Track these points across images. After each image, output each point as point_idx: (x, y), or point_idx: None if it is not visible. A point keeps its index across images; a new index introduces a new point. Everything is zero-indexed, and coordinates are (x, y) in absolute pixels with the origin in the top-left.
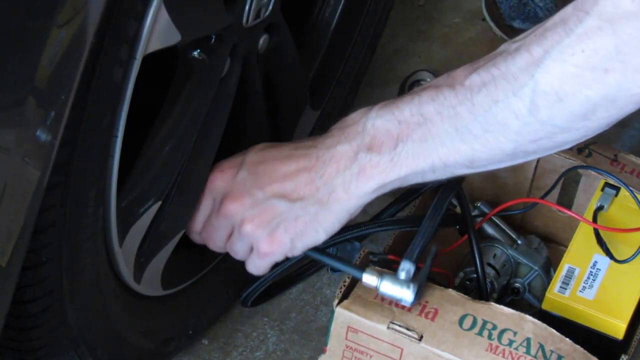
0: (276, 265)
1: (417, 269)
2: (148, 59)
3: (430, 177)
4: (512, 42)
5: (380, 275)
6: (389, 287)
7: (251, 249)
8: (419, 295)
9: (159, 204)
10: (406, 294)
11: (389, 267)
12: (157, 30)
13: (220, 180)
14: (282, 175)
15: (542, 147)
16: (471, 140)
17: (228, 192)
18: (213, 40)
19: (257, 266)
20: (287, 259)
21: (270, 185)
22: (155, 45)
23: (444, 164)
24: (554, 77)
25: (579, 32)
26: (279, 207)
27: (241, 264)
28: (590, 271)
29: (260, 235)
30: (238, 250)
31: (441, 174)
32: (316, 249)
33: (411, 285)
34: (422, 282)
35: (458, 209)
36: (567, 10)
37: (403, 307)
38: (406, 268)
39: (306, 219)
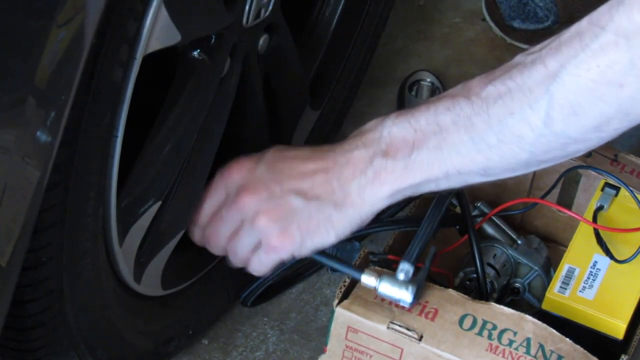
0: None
1: (416, 270)
2: (148, 59)
3: (444, 184)
4: (527, 54)
5: (379, 276)
6: (387, 288)
7: (255, 248)
8: (417, 296)
9: (159, 204)
10: (405, 295)
11: (388, 267)
12: (157, 30)
13: (237, 172)
14: (300, 174)
15: (555, 157)
16: (486, 150)
17: (244, 184)
18: (213, 40)
19: (262, 262)
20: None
21: (288, 181)
22: (155, 45)
23: (458, 172)
24: (570, 91)
25: (594, 47)
26: (295, 203)
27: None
28: (590, 271)
29: (273, 229)
30: (243, 247)
31: (455, 182)
32: None
33: (410, 287)
34: (421, 282)
35: (458, 209)
36: (583, 24)
37: (403, 307)
38: (405, 269)
39: (320, 219)
